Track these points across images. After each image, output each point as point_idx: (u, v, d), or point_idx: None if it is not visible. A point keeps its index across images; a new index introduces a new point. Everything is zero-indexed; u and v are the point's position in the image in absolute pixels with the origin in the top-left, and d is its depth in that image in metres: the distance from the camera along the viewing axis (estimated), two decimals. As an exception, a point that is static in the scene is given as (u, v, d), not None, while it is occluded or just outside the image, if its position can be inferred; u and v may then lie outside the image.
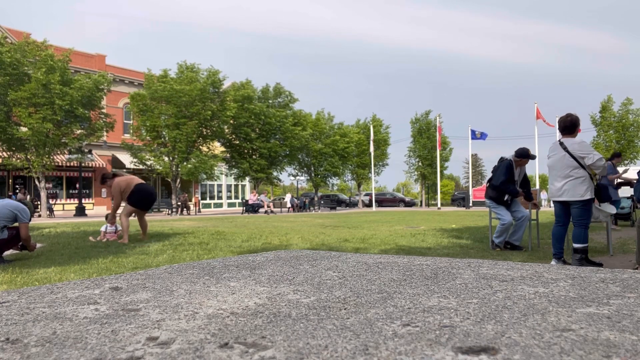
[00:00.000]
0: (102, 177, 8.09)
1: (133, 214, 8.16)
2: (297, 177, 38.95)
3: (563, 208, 4.83)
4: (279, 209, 31.02)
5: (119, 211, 8.18)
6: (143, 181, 8.15)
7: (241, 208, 28.03)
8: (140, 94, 25.02)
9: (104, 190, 29.64)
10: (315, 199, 34.67)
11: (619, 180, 8.79)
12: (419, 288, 0.67)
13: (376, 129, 38.93)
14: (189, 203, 28.26)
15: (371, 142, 35.08)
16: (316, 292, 0.65)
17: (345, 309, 0.54)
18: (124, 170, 30.46)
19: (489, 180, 6.43)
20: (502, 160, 6.41)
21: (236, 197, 39.63)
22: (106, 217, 8.50)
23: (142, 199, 7.86)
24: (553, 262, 4.89)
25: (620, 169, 9.76)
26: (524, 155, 6.22)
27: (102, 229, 8.41)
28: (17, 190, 25.09)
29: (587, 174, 4.63)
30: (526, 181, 6.48)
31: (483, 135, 32.29)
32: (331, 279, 0.75)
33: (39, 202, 22.60)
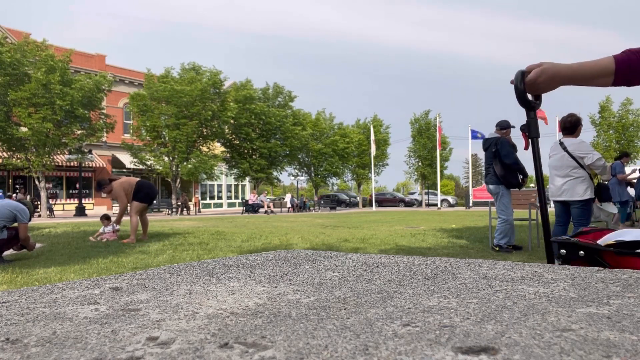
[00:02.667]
0: (98, 183, 8.15)
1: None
2: (297, 177, 38.97)
3: (563, 208, 4.84)
4: (279, 209, 31.02)
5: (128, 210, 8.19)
6: (139, 179, 8.31)
7: (241, 208, 28.03)
8: (140, 94, 25.01)
9: (104, 190, 29.60)
10: (315, 199, 34.69)
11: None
12: (419, 288, 0.67)
13: (376, 129, 38.93)
14: (189, 203, 28.26)
15: (372, 142, 35.06)
16: (316, 292, 0.65)
17: (345, 309, 0.54)
18: (124, 170, 30.44)
19: (495, 161, 5.79)
20: (489, 140, 5.95)
21: (236, 197, 39.65)
22: (101, 218, 8.51)
23: (148, 195, 8.03)
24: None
25: (628, 169, 9.71)
26: (509, 126, 6.00)
27: (101, 230, 8.42)
28: (17, 191, 25.09)
29: (587, 174, 4.63)
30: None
31: (482, 136, 32.30)
32: (331, 279, 0.75)
33: (39, 202, 22.60)
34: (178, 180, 26.19)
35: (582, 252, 1.18)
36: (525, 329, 0.45)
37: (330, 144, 35.79)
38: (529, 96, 1.43)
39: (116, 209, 28.47)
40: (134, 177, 8.35)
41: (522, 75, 1.39)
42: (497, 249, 5.85)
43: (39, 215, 21.57)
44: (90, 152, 25.24)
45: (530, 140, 1.49)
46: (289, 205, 30.44)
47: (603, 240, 1.31)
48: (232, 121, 28.15)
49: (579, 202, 4.62)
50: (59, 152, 22.77)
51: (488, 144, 6.02)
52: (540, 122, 30.29)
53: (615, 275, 0.75)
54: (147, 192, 8.01)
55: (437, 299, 0.60)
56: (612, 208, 5.22)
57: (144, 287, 0.72)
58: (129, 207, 8.08)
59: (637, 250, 1.11)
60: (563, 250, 1.23)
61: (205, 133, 26.44)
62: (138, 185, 7.99)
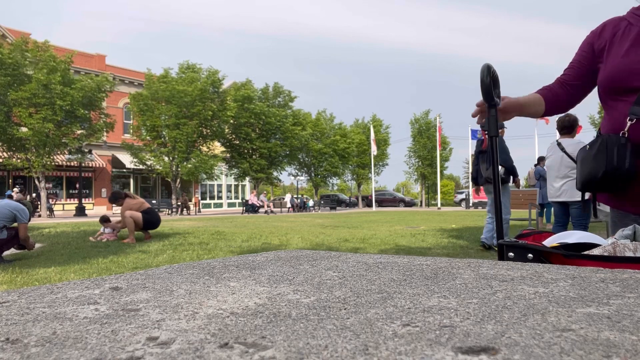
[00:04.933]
0: (113, 195, 8.29)
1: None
2: (297, 177, 38.97)
3: (562, 209, 4.83)
4: (279, 209, 31.02)
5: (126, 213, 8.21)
6: (151, 207, 8.44)
7: (241, 208, 28.03)
8: (140, 94, 25.02)
9: (104, 190, 29.64)
10: (315, 199, 34.70)
11: None
12: (419, 288, 0.67)
13: (376, 129, 38.95)
14: (189, 203, 28.27)
15: (372, 142, 35.06)
16: (316, 292, 0.65)
17: (345, 309, 0.54)
18: (124, 170, 30.45)
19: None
20: (483, 141, 5.91)
21: (236, 197, 39.65)
22: (100, 219, 8.52)
23: (145, 223, 8.10)
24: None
25: None
26: (502, 126, 5.92)
27: (101, 230, 8.42)
28: (18, 191, 25.06)
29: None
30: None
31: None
32: (331, 279, 0.75)
33: (39, 202, 22.60)
34: (178, 180, 26.20)
35: (530, 254, 1.17)
36: (525, 329, 0.45)
37: (330, 144, 35.79)
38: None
39: (116, 209, 28.41)
40: (148, 203, 8.44)
41: (489, 69, 1.34)
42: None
43: (39, 215, 21.57)
44: (90, 152, 25.24)
45: (489, 138, 1.44)
46: (289, 205, 30.44)
47: (547, 243, 1.30)
48: (232, 121, 28.16)
49: (579, 203, 4.62)
50: (59, 152, 22.77)
51: (480, 144, 6.04)
52: (539, 122, 30.24)
53: (615, 275, 0.75)
54: (149, 219, 8.11)
55: (437, 299, 0.60)
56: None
57: (144, 287, 0.72)
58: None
59: (583, 252, 1.12)
60: (511, 254, 1.21)
61: (205, 133, 26.45)
62: (147, 208, 8.14)
